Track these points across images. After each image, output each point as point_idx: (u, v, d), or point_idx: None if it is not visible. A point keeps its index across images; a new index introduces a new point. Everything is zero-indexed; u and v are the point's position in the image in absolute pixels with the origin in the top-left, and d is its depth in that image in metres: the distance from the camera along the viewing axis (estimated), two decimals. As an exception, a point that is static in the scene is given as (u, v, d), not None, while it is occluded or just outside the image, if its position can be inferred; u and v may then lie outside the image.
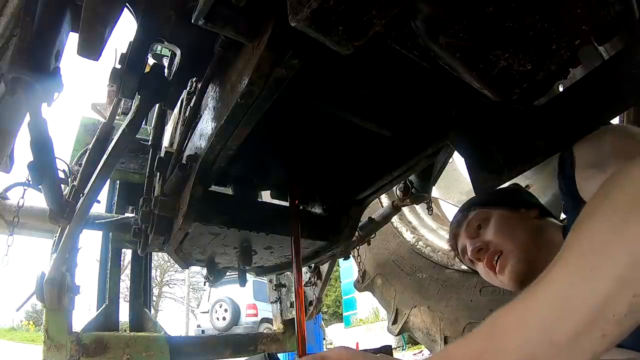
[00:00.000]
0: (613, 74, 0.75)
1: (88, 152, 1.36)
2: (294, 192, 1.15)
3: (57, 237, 1.56)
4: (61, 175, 1.30)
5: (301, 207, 1.21)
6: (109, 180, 1.72)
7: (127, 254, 2.68)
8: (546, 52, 0.61)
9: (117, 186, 2.19)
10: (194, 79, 0.99)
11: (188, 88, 1.01)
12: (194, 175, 0.90)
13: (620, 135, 0.77)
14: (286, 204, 1.16)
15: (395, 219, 2.31)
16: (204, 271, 1.33)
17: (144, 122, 1.08)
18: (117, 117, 1.60)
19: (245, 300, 9.46)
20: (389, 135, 1.05)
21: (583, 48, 0.63)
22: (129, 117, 0.96)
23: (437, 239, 2.27)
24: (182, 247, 1.09)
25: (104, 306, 1.93)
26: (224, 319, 9.48)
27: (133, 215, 2.10)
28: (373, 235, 1.84)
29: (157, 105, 1.14)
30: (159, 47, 1.61)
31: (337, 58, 0.59)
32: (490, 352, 0.49)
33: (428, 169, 1.29)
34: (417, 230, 2.38)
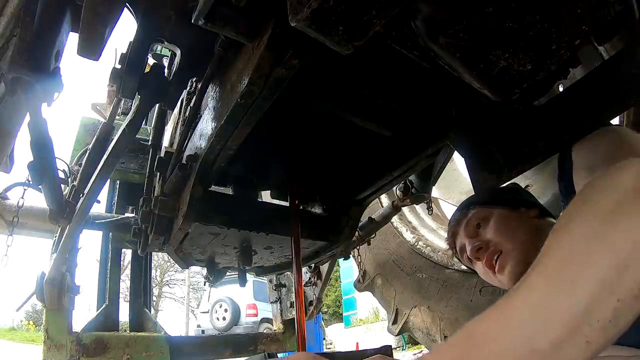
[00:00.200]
0: (613, 74, 0.75)
1: (88, 152, 1.36)
2: (294, 192, 1.15)
3: (57, 237, 1.56)
4: (61, 175, 1.30)
5: (301, 207, 1.21)
6: (109, 180, 1.72)
7: (127, 254, 2.68)
8: (546, 52, 0.61)
9: (117, 186, 2.19)
10: (194, 79, 0.99)
11: (188, 88, 1.01)
12: (194, 175, 0.90)
13: (616, 137, 0.76)
14: (286, 204, 1.16)
15: (395, 219, 2.31)
16: (204, 271, 1.33)
17: (144, 122, 1.08)
18: (117, 117, 1.60)
19: (245, 300, 9.46)
20: (389, 135, 1.05)
21: (583, 48, 0.63)
22: (129, 117, 0.96)
23: (437, 239, 2.27)
24: (182, 247, 1.09)
25: (104, 306, 1.93)
26: (224, 319, 9.48)
27: (133, 215, 2.10)
28: (373, 235, 1.84)
29: (157, 105, 1.14)
30: (159, 47, 1.62)
31: (337, 58, 0.59)
32: None
33: (428, 169, 1.29)
34: (417, 230, 2.38)
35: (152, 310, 2.34)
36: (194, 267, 1.36)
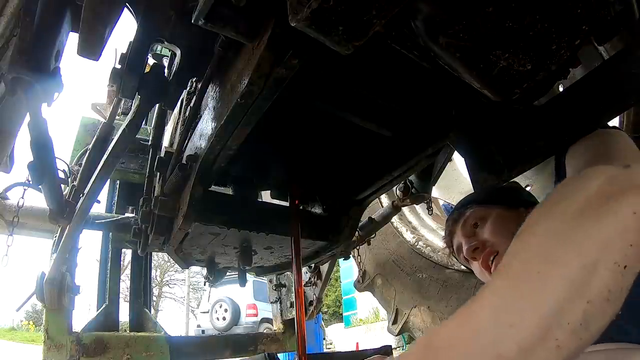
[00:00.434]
0: (613, 74, 0.75)
1: (88, 152, 1.36)
2: (294, 192, 1.15)
3: (57, 237, 1.56)
4: (61, 175, 1.30)
5: (301, 207, 1.21)
6: (109, 180, 1.72)
7: (127, 254, 2.68)
8: (546, 52, 0.61)
9: (117, 186, 2.20)
10: (194, 79, 0.99)
11: (188, 88, 1.01)
12: (194, 175, 0.90)
13: (606, 141, 0.75)
14: (286, 204, 1.16)
15: (395, 219, 2.31)
16: (204, 271, 1.33)
17: (144, 122, 1.08)
18: (117, 117, 1.60)
19: (245, 300, 9.46)
20: (389, 135, 1.05)
21: (583, 48, 0.63)
22: (129, 117, 0.96)
23: (437, 239, 2.27)
24: (182, 247, 1.09)
25: (104, 306, 1.93)
26: (224, 319, 9.48)
27: (133, 215, 2.10)
28: (373, 235, 1.84)
29: (157, 105, 1.14)
30: (159, 47, 1.62)
31: (337, 58, 0.59)
32: None
33: (428, 169, 1.29)
34: (417, 230, 2.38)
35: (152, 310, 2.34)
36: (194, 267, 1.36)
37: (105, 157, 1.04)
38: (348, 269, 10.88)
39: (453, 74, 0.65)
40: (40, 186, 1.12)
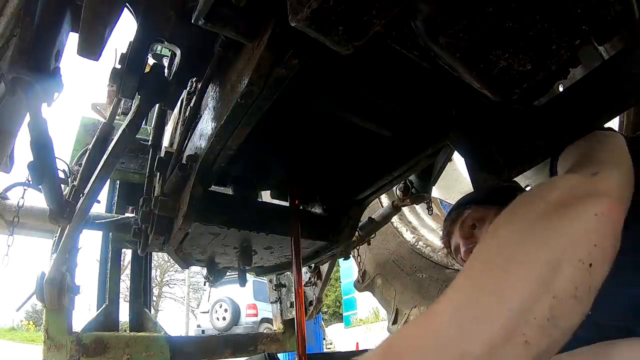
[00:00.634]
0: (613, 74, 0.75)
1: (88, 152, 1.36)
2: (294, 192, 1.15)
3: (57, 237, 1.56)
4: (61, 175, 1.30)
5: (301, 207, 1.21)
6: (109, 180, 1.72)
7: (127, 254, 2.68)
8: (546, 52, 0.61)
9: (117, 186, 2.20)
10: (194, 79, 0.99)
11: (188, 88, 1.01)
12: (194, 175, 0.90)
13: (592, 145, 0.74)
14: (286, 204, 1.16)
15: (395, 219, 2.31)
16: (204, 271, 1.34)
17: (144, 122, 1.08)
18: (117, 117, 1.60)
19: (245, 300, 9.45)
20: (389, 135, 1.05)
21: (583, 48, 0.63)
22: (129, 117, 0.96)
23: (437, 239, 2.26)
24: (182, 247, 1.09)
25: (104, 306, 1.93)
26: (224, 319, 9.47)
27: (133, 215, 2.10)
28: (373, 235, 1.84)
29: (157, 105, 1.14)
30: (159, 47, 1.62)
31: (337, 58, 0.59)
32: None
33: (428, 169, 1.29)
34: (417, 230, 2.38)
35: (152, 310, 2.34)
36: (194, 267, 1.36)
37: (105, 157, 1.04)
38: (348, 269, 10.87)
39: (453, 74, 0.65)
40: (40, 186, 1.12)
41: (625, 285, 0.71)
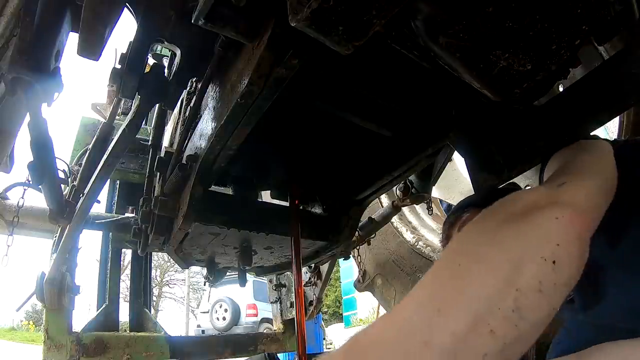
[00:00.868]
0: (613, 74, 0.75)
1: (88, 152, 1.36)
2: (294, 192, 1.15)
3: (57, 237, 1.56)
4: (61, 175, 1.30)
5: (301, 207, 1.21)
6: (109, 180, 1.72)
7: (127, 254, 2.68)
8: (546, 52, 0.61)
9: (117, 186, 2.20)
10: (194, 79, 0.99)
11: (188, 88, 1.01)
12: (194, 175, 0.90)
13: (575, 153, 0.74)
14: (286, 204, 1.16)
15: (395, 219, 2.31)
16: (204, 271, 1.33)
17: (144, 122, 1.08)
18: (117, 117, 1.60)
19: (245, 300, 9.45)
20: (389, 135, 1.05)
21: (583, 48, 0.63)
22: (129, 117, 0.96)
23: (437, 239, 2.27)
24: (182, 247, 1.09)
25: (104, 306, 1.93)
26: (224, 319, 9.47)
27: (133, 215, 2.10)
28: (373, 235, 1.84)
29: (157, 105, 1.14)
30: (159, 47, 1.61)
31: (337, 58, 0.59)
32: None
33: (428, 169, 1.29)
34: (417, 230, 2.38)
35: (152, 310, 2.34)
36: (194, 267, 1.36)
37: (105, 157, 1.04)
38: (348, 269, 10.87)
39: (453, 74, 0.65)
40: (40, 186, 1.12)
41: (630, 286, 0.72)
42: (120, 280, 2.06)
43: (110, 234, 2.03)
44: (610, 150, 0.71)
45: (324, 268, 2.20)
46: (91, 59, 0.76)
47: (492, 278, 0.43)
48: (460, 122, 0.91)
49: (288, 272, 1.70)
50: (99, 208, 2.09)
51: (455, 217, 1.17)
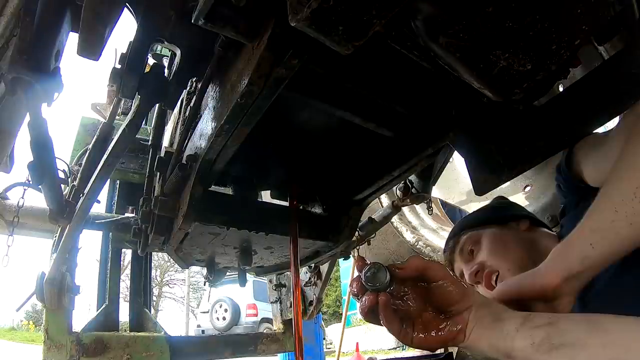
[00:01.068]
0: (613, 74, 0.75)
1: (88, 152, 1.36)
2: (293, 192, 1.15)
3: (57, 237, 1.56)
4: (61, 175, 1.30)
5: (301, 207, 1.21)
6: (109, 180, 1.72)
7: (127, 254, 2.68)
8: (546, 52, 0.61)
9: (117, 186, 2.19)
10: (194, 79, 0.99)
11: (188, 88, 1.01)
12: (194, 175, 0.90)
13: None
14: (286, 203, 1.16)
15: (395, 219, 2.31)
16: (204, 271, 1.33)
17: (144, 122, 1.08)
18: (117, 117, 1.60)
19: (245, 300, 9.46)
20: (389, 135, 1.05)
21: (583, 48, 0.63)
22: (129, 117, 0.96)
23: (437, 239, 2.27)
24: (182, 247, 1.09)
25: (104, 306, 1.93)
26: (224, 319, 9.48)
27: (133, 215, 2.10)
28: (373, 235, 1.84)
29: (157, 105, 1.14)
30: (159, 47, 1.61)
31: (337, 58, 0.59)
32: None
33: (428, 169, 1.29)
34: (417, 230, 2.38)
35: (152, 310, 2.34)
36: (194, 267, 1.36)
37: (105, 157, 1.04)
38: (348, 269, 10.86)
39: (453, 74, 0.65)
40: (40, 186, 1.12)
41: None
42: (120, 280, 2.06)
43: (110, 234, 2.02)
44: None
45: (324, 268, 2.20)
46: (91, 59, 0.76)
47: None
48: (460, 122, 0.91)
49: (288, 272, 1.70)
50: (99, 208, 2.08)
51: (454, 242, 1.19)
